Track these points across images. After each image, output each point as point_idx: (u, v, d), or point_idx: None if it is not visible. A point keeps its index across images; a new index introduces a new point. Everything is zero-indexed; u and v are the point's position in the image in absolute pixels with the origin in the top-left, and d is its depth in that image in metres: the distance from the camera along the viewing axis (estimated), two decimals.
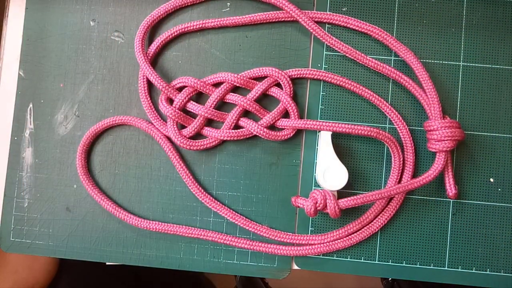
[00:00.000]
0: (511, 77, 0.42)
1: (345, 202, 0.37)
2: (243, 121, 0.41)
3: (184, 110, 0.41)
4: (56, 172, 0.43)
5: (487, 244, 0.41)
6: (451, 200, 0.41)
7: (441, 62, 0.42)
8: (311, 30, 0.41)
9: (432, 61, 0.42)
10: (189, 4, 0.43)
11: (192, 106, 0.41)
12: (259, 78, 0.41)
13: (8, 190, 0.43)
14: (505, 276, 0.40)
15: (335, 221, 0.41)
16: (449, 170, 0.40)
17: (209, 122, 0.42)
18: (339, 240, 0.40)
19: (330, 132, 0.39)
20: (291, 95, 0.41)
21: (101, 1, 0.43)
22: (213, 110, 0.40)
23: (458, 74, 0.42)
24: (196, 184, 0.41)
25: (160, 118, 0.42)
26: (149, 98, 0.42)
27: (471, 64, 0.42)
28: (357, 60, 0.41)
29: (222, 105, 0.42)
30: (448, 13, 0.42)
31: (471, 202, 0.41)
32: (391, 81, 0.42)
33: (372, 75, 0.42)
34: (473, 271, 0.41)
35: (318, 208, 0.38)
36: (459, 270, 0.41)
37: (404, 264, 0.41)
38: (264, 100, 0.42)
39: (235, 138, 0.41)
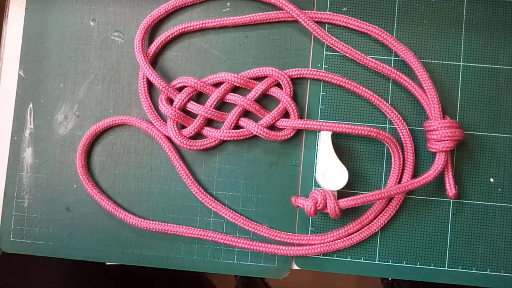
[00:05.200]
0: (511, 77, 0.42)
1: (345, 202, 0.37)
2: (243, 121, 0.41)
3: (184, 110, 0.41)
4: (56, 172, 0.43)
5: (487, 244, 0.41)
6: (451, 200, 0.41)
7: (441, 62, 0.42)
8: (311, 30, 0.41)
9: (432, 61, 0.42)
10: (189, 4, 0.43)
11: (192, 106, 0.41)
12: (259, 78, 0.41)
13: (8, 190, 0.43)
14: (505, 276, 0.40)
15: (335, 221, 0.41)
16: (449, 170, 0.40)
17: (209, 122, 0.42)
18: (339, 240, 0.40)
19: (330, 132, 0.39)
20: (291, 95, 0.41)
21: (101, 1, 0.43)
22: (213, 110, 0.40)
23: (458, 74, 0.42)
24: (196, 184, 0.41)
25: (160, 118, 0.42)
26: (149, 98, 0.42)
27: (471, 64, 0.42)
28: (357, 60, 0.41)
29: (222, 105, 0.42)
30: (448, 13, 0.42)
31: (471, 202, 0.41)
32: (391, 81, 0.42)
33: (372, 75, 0.42)
34: (473, 271, 0.41)
35: (318, 208, 0.38)
36: (459, 270, 0.41)
37: (404, 264, 0.41)
38: (264, 100, 0.42)
39: (235, 138, 0.41)
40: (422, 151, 0.41)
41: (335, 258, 0.41)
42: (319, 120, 0.42)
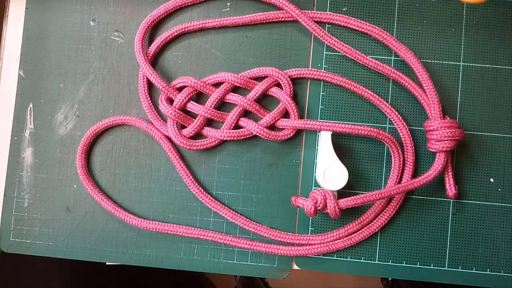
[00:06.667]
0: (511, 77, 0.42)
1: (345, 202, 0.37)
2: (243, 121, 0.41)
3: (184, 110, 0.41)
4: (56, 172, 0.43)
5: (487, 244, 0.41)
6: (451, 200, 0.41)
7: (441, 62, 0.42)
8: (311, 30, 0.41)
9: (432, 61, 0.42)
10: (189, 4, 0.43)
11: (192, 106, 0.41)
12: (259, 78, 0.42)
13: (8, 190, 0.43)
14: (505, 276, 0.40)
15: (335, 221, 0.41)
16: (449, 170, 0.40)
17: (209, 122, 0.42)
18: (339, 240, 0.40)
19: (330, 132, 0.39)
20: (291, 95, 0.41)
21: (101, 1, 0.43)
22: (213, 110, 0.40)
23: (458, 74, 0.42)
24: (196, 184, 0.41)
25: (160, 118, 0.42)
26: (149, 98, 0.42)
27: (471, 64, 0.42)
28: (357, 60, 0.41)
29: (222, 105, 0.42)
30: (448, 13, 0.42)
31: (471, 202, 0.41)
32: (391, 81, 0.42)
33: (372, 75, 0.42)
34: (473, 271, 0.41)
35: (318, 208, 0.38)
36: (459, 270, 0.41)
37: (404, 264, 0.41)
38: (264, 100, 0.42)
39: (235, 138, 0.41)
40: (422, 151, 0.41)
41: (335, 258, 0.41)
42: (319, 120, 0.42)
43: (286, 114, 0.41)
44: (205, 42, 0.43)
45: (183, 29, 0.42)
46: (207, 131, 0.41)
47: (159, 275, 0.67)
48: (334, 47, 0.41)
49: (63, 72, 0.43)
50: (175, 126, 0.41)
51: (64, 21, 0.43)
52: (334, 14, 0.42)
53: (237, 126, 0.41)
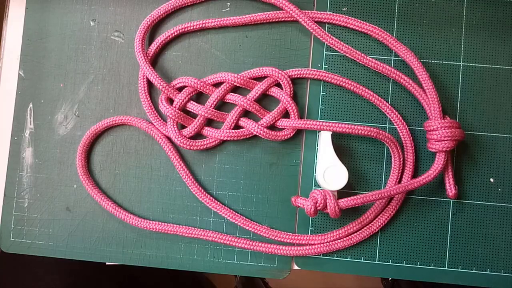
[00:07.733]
0: (511, 77, 0.42)
1: (345, 202, 0.37)
2: (243, 121, 0.41)
3: (184, 110, 0.41)
4: (56, 172, 0.43)
5: (487, 244, 0.41)
6: (451, 200, 0.41)
7: (441, 62, 0.42)
8: (311, 30, 0.41)
9: (432, 61, 0.42)
10: (189, 4, 0.43)
11: (192, 106, 0.41)
12: (259, 78, 0.42)
13: (8, 190, 0.43)
14: (505, 276, 0.40)
15: (335, 221, 0.41)
16: (449, 170, 0.40)
17: (209, 122, 0.42)
18: (339, 240, 0.40)
19: (330, 132, 0.39)
20: (291, 95, 0.41)
21: (101, 1, 0.43)
22: (213, 110, 0.40)
23: (458, 74, 0.42)
24: (196, 184, 0.41)
25: (160, 118, 0.42)
26: (149, 98, 0.42)
27: (471, 64, 0.42)
28: (357, 60, 0.41)
29: (222, 105, 0.42)
30: (448, 13, 0.42)
31: (471, 202, 0.41)
32: (391, 81, 0.42)
33: (372, 75, 0.42)
34: (473, 271, 0.41)
35: (318, 208, 0.38)
36: (459, 270, 0.41)
37: (404, 264, 0.41)
38: (264, 100, 0.42)
39: (235, 138, 0.41)
40: (422, 151, 0.41)
41: (335, 258, 0.41)
42: (319, 120, 0.42)
43: (286, 114, 0.41)
44: (205, 42, 0.43)
45: (183, 29, 0.42)
46: (207, 131, 0.41)
47: (159, 275, 0.67)
48: (334, 47, 0.41)
49: (63, 72, 0.43)
50: (175, 126, 0.41)
51: (64, 21, 0.43)
52: (334, 14, 0.42)
53: (237, 126, 0.41)
